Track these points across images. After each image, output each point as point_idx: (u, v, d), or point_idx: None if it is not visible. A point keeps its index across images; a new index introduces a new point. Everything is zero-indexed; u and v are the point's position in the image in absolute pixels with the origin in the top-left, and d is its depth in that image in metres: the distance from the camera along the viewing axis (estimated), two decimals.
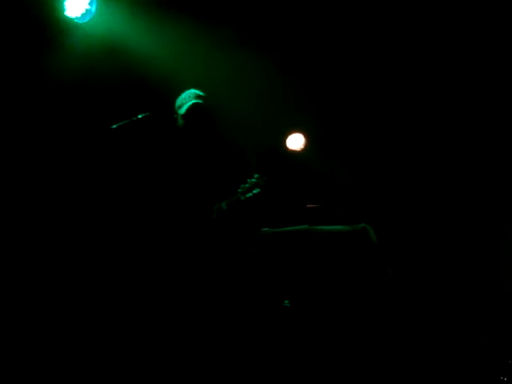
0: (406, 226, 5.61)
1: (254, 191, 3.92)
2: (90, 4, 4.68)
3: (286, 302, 4.09)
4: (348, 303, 4.03)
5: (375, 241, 4.10)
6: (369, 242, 4.09)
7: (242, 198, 3.93)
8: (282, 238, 4.20)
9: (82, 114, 4.91)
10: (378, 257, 4.08)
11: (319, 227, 4.21)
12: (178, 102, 4.21)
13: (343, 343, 3.99)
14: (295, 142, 6.08)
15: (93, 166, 4.86)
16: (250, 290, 4.05)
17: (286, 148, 6.05)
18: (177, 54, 5.24)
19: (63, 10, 4.61)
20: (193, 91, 4.21)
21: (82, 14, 4.70)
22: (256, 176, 3.94)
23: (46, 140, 4.81)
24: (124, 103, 4.78)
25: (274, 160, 5.86)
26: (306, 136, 6.07)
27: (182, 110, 4.15)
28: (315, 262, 4.09)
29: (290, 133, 6.04)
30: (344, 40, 5.69)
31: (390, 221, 5.48)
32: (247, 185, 3.93)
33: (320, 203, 4.97)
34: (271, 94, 5.70)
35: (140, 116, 4.14)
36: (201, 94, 4.20)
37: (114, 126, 4.09)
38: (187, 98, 4.17)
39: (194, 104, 4.12)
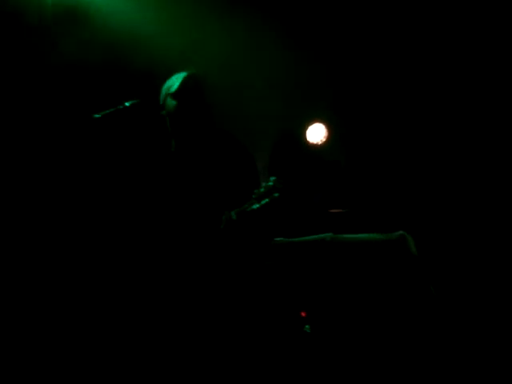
0: (454, 236, 4.82)
1: (272, 196, 3.24)
2: None
3: (307, 327, 3.46)
4: (381, 329, 3.39)
5: (415, 253, 3.42)
6: (407, 255, 3.42)
7: (257, 205, 3.25)
8: (300, 249, 3.54)
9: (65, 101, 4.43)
10: (419, 272, 3.41)
11: (346, 236, 3.56)
12: (167, 84, 3.52)
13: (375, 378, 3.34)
14: (316, 133, 5.47)
15: (78, 161, 4.35)
16: (262, 311, 3.39)
17: (306, 141, 5.42)
18: (181, 32, 4.81)
19: None
20: (184, 72, 3.53)
21: None
22: (272, 179, 3.26)
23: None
24: (111, 88, 4.26)
25: (290, 155, 5.24)
26: (328, 127, 5.46)
27: (173, 88, 3.44)
28: (341, 279, 3.44)
29: (310, 123, 5.46)
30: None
31: (433, 229, 4.70)
32: (262, 189, 3.25)
33: (346, 207, 4.27)
34: (287, 77, 5.14)
35: (127, 104, 3.46)
36: (194, 71, 3.51)
37: (97, 116, 3.41)
38: (179, 78, 3.48)
39: (188, 75, 3.44)
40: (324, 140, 5.41)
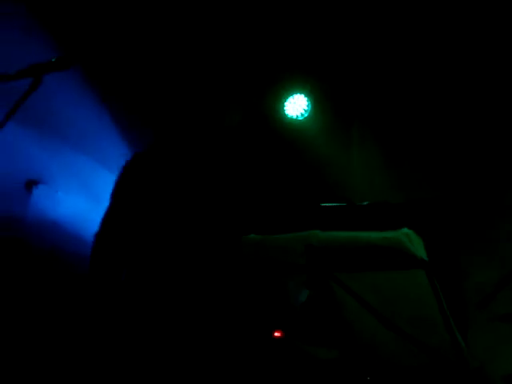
0: (468, 232, 4.09)
1: None
2: (306, 106, 5.89)
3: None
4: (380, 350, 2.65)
5: (423, 255, 2.58)
6: (411, 257, 2.56)
7: None
8: (277, 247, 2.79)
9: None
10: (427, 279, 2.57)
11: (336, 233, 2.77)
12: None
13: None
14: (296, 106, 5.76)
15: None
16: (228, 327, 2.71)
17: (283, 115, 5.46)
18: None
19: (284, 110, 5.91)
20: None
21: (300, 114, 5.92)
22: None
23: None
24: None
25: (265, 132, 4.77)
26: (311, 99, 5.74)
27: None
28: (328, 287, 2.68)
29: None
30: None
31: (444, 224, 3.95)
32: None
33: (335, 199, 3.53)
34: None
35: None
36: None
37: None
38: None
39: None
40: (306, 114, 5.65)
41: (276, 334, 3.10)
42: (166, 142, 3.31)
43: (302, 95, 5.96)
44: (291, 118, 5.93)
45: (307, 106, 5.93)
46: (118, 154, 4.06)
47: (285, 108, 5.97)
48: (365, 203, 3.93)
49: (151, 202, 3.13)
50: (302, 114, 5.95)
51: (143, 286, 3.09)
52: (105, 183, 3.76)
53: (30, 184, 4.84)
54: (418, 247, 2.56)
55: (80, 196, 4.89)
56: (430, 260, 2.55)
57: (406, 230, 2.59)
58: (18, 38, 4.31)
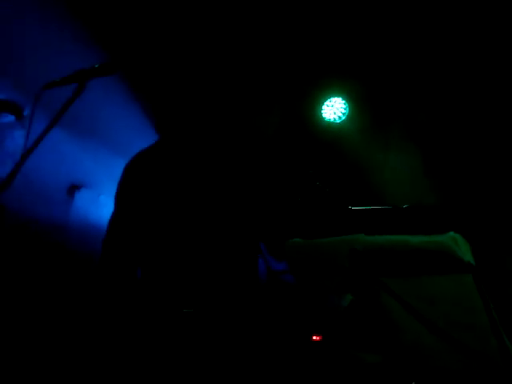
0: None
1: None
2: (344, 109, 5.98)
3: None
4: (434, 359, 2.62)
5: (470, 260, 2.52)
6: (458, 261, 2.52)
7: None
8: (321, 251, 2.78)
9: None
10: (474, 283, 2.52)
11: (380, 237, 2.72)
12: None
13: None
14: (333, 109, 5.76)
15: None
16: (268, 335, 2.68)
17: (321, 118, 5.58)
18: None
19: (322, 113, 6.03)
20: None
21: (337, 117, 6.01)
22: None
23: None
24: None
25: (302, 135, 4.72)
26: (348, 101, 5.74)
27: None
28: (370, 294, 2.66)
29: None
30: None
31: (490, 227, 3.89)
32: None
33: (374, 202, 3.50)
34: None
35: None
36: None
37: None
38: None
39: None
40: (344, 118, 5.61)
41: (314, 338, 3.08)
42: (173, 139, 3.13)
43: (340, 98, 5.93)
44: (329, 121, 5.90)
45: (345, 109, 5.89)
46: None
47: (322, 111, 5.94)
48: (404, 206, 3.88)
49: (160, 200, 2.98)
50: (339, 117, 5.91)
51: (162, 285, 2.96)
52: None
53: (73, 188, 4.87)
54: (465, 251, 2.52)
55: None
56: (476, 264, 2.51)
57: (452, 233, 2.55)
58: (63, 45, 4.36)
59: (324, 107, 5.96)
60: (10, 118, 4.53)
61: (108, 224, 3.07)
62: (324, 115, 5.94)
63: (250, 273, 2.85)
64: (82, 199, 4.86)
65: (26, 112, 4.53)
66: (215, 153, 2.99)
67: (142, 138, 4.68)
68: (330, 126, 5.91)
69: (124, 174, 3.10)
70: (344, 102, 5.91)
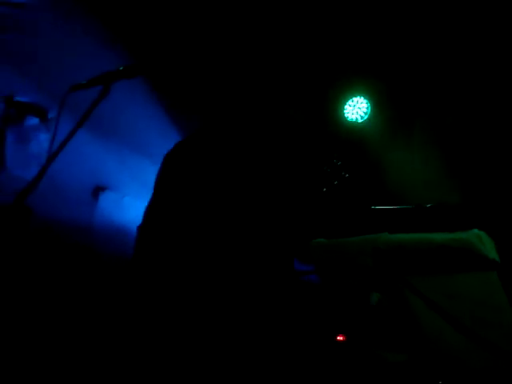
0: None
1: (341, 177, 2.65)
2: (366, 109, 5.99)
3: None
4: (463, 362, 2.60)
5: (494, 256, 2.52)
6: (483, 258, 2.51)
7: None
8: (345, 250, 2.78)
9: None
10: (500, 280, 2.50)
11: (404, 236, 2.72)
12: None
13: None
14: (356, 109, 5.74)
15: None
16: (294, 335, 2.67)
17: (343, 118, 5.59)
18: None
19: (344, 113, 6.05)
20: None
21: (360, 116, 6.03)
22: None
23: None
24: None
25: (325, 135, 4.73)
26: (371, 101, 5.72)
27: None
28: (395, 292, 2.66)
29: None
30: None
31: None
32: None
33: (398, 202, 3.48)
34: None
35: None
36: None
37: None
38: None
39: None
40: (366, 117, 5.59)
41: (339, 338, 3.07)
42: (212, 129, 3.11)
43: (362, 98, 5.91)
44: (351, 121, 5.89)
45: (367, 108, 5.88)
46: None
47: (345, 111, 5.93)
48: (428, 205, 3.87)
49: (194, 191, 2.95)
50: (361, 117, 5.90)
51: (192, 280, 2.92)
52: None
53: (98, 190, 4.89)
54: (490, 248, 2.51)
55: (146, 201, 4.93)
56: (501, 261, 2.50)
57: (476, 230, 2.54)
58: (87, 47, 4.39)
59: (346, 107, 5.95)
60: (35, 120, 4.57)
61: (145, 210, 3.09)
62: (346, 115, 5.94)
63: (285, 272, 2.85)
64: (107, 201, 4.88)
65: (51, 114, 4.59)
66: (249, 147, 2.99)
67: (165, 139, 4.72)
68: (352, 125, 5.90)
69: (163, 162, 3.09)
70: (366, 101, 5.90)
